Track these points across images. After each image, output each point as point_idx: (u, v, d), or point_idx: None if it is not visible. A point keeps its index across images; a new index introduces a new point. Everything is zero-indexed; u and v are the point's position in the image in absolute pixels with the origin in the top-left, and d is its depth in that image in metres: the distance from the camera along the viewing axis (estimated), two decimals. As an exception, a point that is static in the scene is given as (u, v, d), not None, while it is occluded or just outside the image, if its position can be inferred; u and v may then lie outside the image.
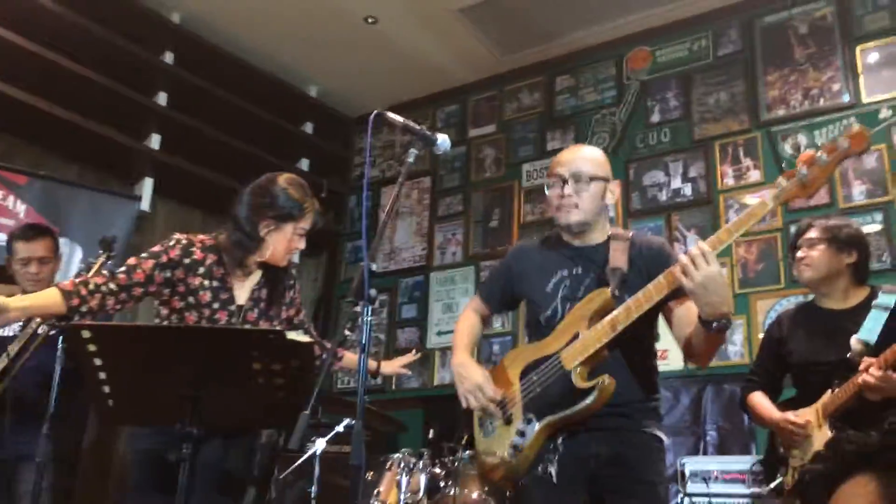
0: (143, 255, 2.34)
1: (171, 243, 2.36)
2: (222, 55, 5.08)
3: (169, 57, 4.89)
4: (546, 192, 2.23)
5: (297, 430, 1.69)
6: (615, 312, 1.98)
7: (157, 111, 4.78)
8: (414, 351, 3.27)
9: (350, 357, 2.77)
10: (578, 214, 2.16)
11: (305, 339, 1.89)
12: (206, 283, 2.34)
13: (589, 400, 1.95)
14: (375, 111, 2.06)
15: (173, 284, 2.31)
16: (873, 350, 2.29)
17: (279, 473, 3.73)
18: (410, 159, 2.07)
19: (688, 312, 1.99)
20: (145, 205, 4.71)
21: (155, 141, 4.79)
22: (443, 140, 2.13)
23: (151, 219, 4.88)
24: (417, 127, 2.09)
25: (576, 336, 2.04)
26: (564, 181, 2.15)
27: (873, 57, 4.14)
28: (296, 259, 5.42)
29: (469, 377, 2.18)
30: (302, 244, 2.45)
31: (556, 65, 5.27)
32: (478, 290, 2.55)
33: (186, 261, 2.34)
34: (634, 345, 2.07)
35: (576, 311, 2.09)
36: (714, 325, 1.83)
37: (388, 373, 3.08)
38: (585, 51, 5.15)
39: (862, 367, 2.24)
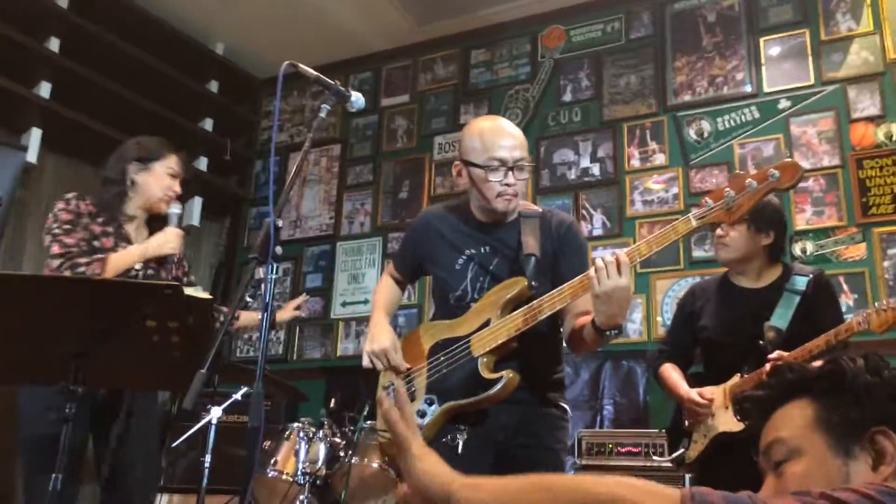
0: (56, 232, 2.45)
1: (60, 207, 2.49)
2: (121, 2, 4.78)
3: (63, 0, 4.55)
4: (482, 173, 2.06)
5: (193, 390, 1.59)
6: (527, 308, 1.95)
7: (47, 56, 4.44)
8: (304, 294, 3.39)
9: (247, 315, 2.73)
10: (515, 202, 2.12)
11: (204, 294, 1.79)
12: (109, 229, 2.50)
13: (492, 391, 1.94)
14: (287, 62, 1.95)
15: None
16: (785, 336, 2.36)
17: (171, 442, 3.58)
18: (322, 114, 1.98)
19: (584, 304, 1.97)
20: (32, 156, 4.39)
21: (45, 89, 4.46)
22: (357, 97, 2.06)
23: (39, 172, 4.56)
24: (331, 81, 2.01)
25: (487, 322, 2.01)
26: (509, 168, 2.05)
27: (775, 49, 4.30)
28: (196, 223, 5.21)
29: (379, 339, 2.14)
30: (177, 187, 2.65)
31: (473, 38, 5.24)
32: (392, 258, 2.50)
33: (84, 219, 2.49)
34: (542, 333, 2.07)
35: (490, 295, 2.06)
36: (606, 333, 1.85)
37: (284, 319, 3.24)
38: (502, 25, 5.14)
39: (772, 358, 2.26)
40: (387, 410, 1.12)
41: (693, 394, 2.50)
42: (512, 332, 1.96)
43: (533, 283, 2.00)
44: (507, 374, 1.94)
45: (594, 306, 1.85)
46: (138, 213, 2.63)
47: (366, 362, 2.16)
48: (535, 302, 1.95)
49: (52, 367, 1.81)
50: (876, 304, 2.26)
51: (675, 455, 2.59)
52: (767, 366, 2.27)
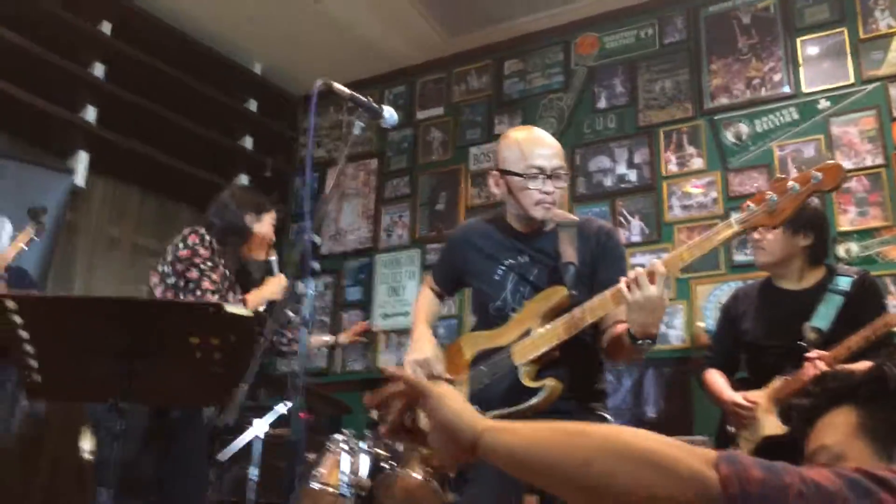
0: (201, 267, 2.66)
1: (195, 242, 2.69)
2: (162, 27, 4.91)
3: (106, 27, 4.70)
4: (520, 181, 2.09)
5: (234, 404, 1.64)
6: (568, 317, 1.96)
7: (92, 82, 4.59)
8: (366, 322, 3.52)
9: (314, 339, 2.86)
10: (553, 210, 2.14)
11: (245, 312, 1.84)
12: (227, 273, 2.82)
13: (534, 400, 1.95)
14: (321, 80, 2.00)
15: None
16: (827, 337, 2.31)
17: (218, 455, 3.65)
18: (356, 131, 2.04)
19: (622, 313, 1.96)
20: (80, 180, 4.53)
21: (91, 114, 4.61)
22: (389, 113, 2.10)
23: (87, 196, 4.71)
24: (364, 98, 2.06)
25: (528, 332, 2.02)
26: (548, 176, 2.08)
27: (813, 49, 4.24)
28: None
29: (421, 349, 2.16)
30: (273, 236, 2.96)
31: (505, 48, 5.26)
32: (431, 271, 2.53)
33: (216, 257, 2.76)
34: (584, 342, 2.06)
35: (531, 305, 2.06)
36: (639, 342, 1.85)
37: (344, 342, 3.44)
38: (534, 35, 5.15)
39: (812, 358, 2.24)
40: (398, 375, 1.07)
41: (737, 398, 2.48)
42: (554, 341, 1.96)
43: (573, 291, 2.00)
44: (550, 383, 1.94)
45: (627, 316, 1.85)
46: (243, 260, 2.88)
47: (408, 373, 2.18)
48: (576, 310, 1.95)
49: (100, 384, 1.87)
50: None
51: None
52: (807, 366, 2.24)
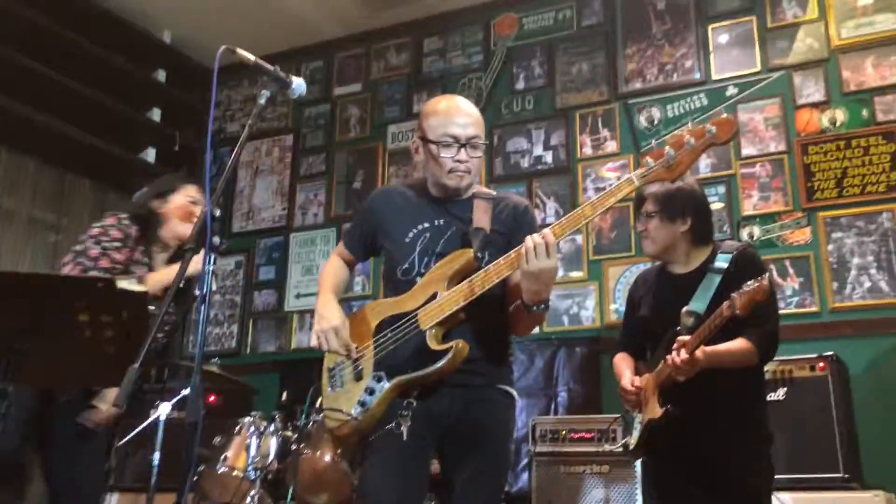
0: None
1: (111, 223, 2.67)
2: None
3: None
4: (435, 149, 2.10)
5: (125, 387, 1.55)
6: (473, 277, 1.97)
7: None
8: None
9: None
10: (468, 179, 2.14)
11: (138, 287, 1.74)
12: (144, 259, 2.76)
13: (441, 362, 1.93)
14: (224, 46, 1.89)
15: None
16: (705, 317, 2.33)
17: (119, 440, 3.50)
18: (262, 101, 1.95)
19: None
20: (-32, 149, 4.25)
21: (-16, 80, 4.32)
22: (298, 83, 2.02)
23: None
24: (270, 67, 1.97)
25: (434, 296, 2.01)
26: (462, 145, 2.09)
27: (723, 36, 4.34)
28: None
29: (328, 317, 2.12)
30: (198, 211, 2.83)
31: (425, 26, 5.20)
32: (342, 237, 2.47)
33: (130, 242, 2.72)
34: (490, 304, 2.06)
35: (437, 269, 2.05)
36: (533, 308, 1.92)
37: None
38: (454, 13, 5.11)
39: (675, 346, 2.25)
40: None
41: (625, 382, 2.51)
42: (460, 301, 1.96)
43: (478, 254, 2.02)
44: (457, 344, 1.93)
45: (521, 284, 1.90)
46: (172, 244, 2.82)
47: (314, 342, 2.14)
48: (480, 272, 1.97)
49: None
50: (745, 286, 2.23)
51: (618, 444, 2.60)
52: (674, 353, 2.26)
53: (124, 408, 1.61)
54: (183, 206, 2.81)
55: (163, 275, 2.66)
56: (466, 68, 5.01)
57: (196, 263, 2.65)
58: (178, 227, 2.79)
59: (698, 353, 2.22)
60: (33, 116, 4.45)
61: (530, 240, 1.85)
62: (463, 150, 2.09)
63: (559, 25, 4.81)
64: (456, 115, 2.12)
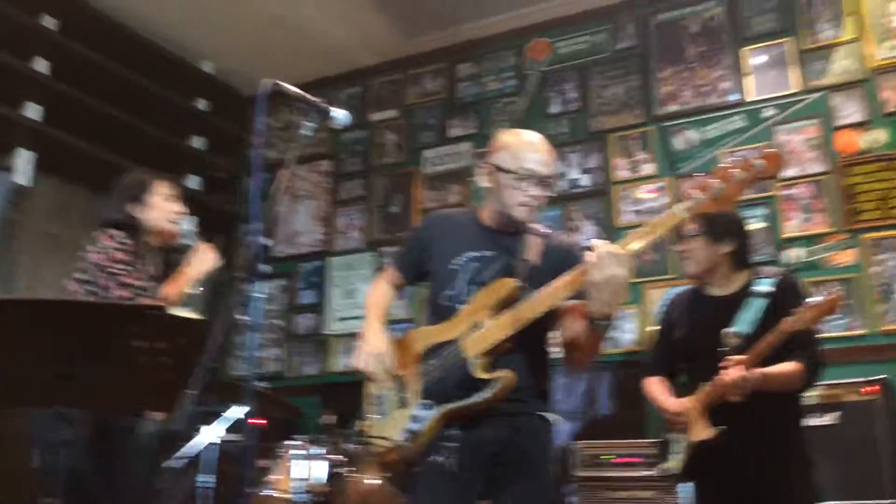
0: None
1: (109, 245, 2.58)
2: (109, 23, 4.79)
3: (49, 21, 4.56)
4: (511, 179, 2.10)
5: (182, 412, 1.60)
6: (519, 306, 1.97)
7: (34, 78, 4.45)
8: None
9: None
10: (534, 213, 2.15)
11: (194, 315, 1.79)
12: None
13: (488, 392, 1.94)
14: (269, 81, 1.97)
15: None
16: (752, 340, 2.34)
17: (167, 463, 3.56)
18: (305, 132, 2.01)
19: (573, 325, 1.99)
20: (22, 178, 4.38)
21: (33, 111, 4.46)
22: (339, 114, 2.08)
23: (32, 195, 4.56)
24: (313, 99, 2.04)
25: (477, 324, 2.02)
26: (538, 181, 2.09)
27: (759, 58, 4.33)
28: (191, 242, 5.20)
29: (374, 343, 2.15)
30: (178, 207, 2.79)
31: (459, 52, 5.27)
32: (392, 260, 2.50)
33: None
34: (535, 333, 2.06)
35: (481, 297, 2.07)
36: (600, 322, 1.85)
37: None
38: (488, 39, 5.17)
39: (729, 365, 2.26)
40: None
41: (669, 404, 2.51)
42: (505, 332, 1.96)
43: (523, 283, 2.02)
44: (504, 374, 1.94)
45: (589, 295, 1.83)
46: (159, 245, 2.77)
47: (360, 364, 2.17)
48: (526, 301, 1.96)
49: (37, 389, 1.80)
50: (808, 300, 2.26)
51: (660, 467, 2.59)
52: (723, 373, 2.26)
53: (181, 430, 1.65)
54: (165, 208, 2.76)
55: (180, 282, 2.60)
56: (500, 93, 5.05)
57: (207, 258, 2.69)
58: (165, 228, 2.74)
59: (757, 371, 2.23)
60: (83, 147, 4.58)
61: (599, 248, 1.79)
62: (538, 186, 2.10)
63: (593, 49, 4.85)
64: (538, 151, 2.13)
